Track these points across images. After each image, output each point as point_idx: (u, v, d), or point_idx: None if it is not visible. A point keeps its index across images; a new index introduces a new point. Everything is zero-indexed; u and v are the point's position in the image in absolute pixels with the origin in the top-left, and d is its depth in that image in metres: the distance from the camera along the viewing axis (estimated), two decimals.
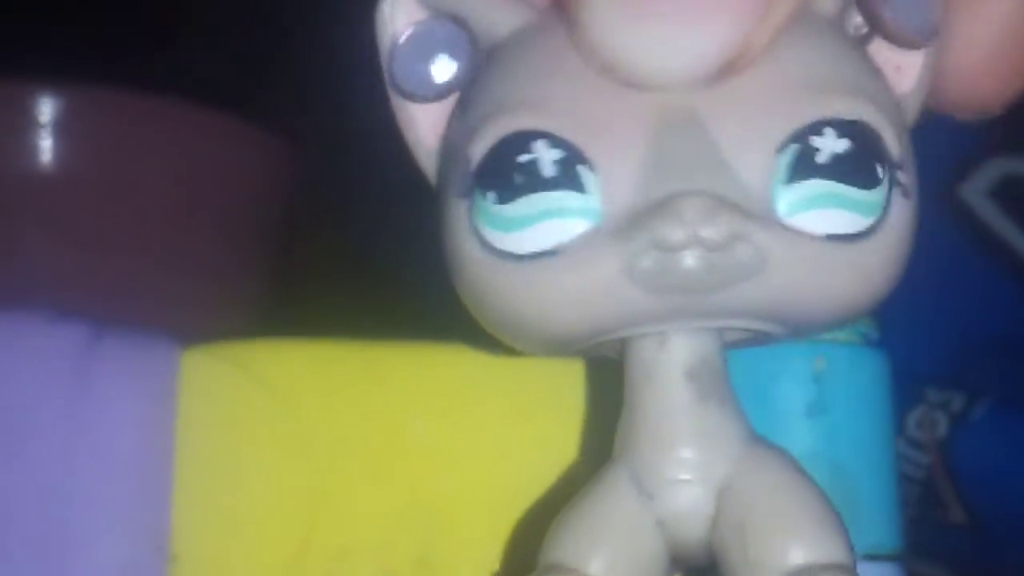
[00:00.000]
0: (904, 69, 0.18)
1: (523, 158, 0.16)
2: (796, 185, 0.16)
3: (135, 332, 0.21)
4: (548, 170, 0.16)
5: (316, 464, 0.21)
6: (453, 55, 0.18)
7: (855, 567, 0.17)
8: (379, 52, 0.18)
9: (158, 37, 0.45)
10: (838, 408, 0.21)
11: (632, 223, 0.16)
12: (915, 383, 0.39)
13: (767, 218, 0.16)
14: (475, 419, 0.21)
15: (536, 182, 0.16)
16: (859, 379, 0.21)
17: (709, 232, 0.16)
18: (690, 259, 0.16)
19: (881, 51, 0.18)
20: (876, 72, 0.18)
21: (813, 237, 0.16)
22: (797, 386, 0.21)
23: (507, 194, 0.16)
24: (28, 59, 0.35)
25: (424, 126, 0.18)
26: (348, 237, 0.40)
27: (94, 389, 0.20)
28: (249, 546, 0.21)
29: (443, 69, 0.18)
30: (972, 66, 0.19)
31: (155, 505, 0.20)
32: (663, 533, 0.17)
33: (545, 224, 0.16)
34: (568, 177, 0.16)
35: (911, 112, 0.18)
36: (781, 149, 0.16)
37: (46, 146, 0.36)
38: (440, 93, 0.18)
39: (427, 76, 0.18)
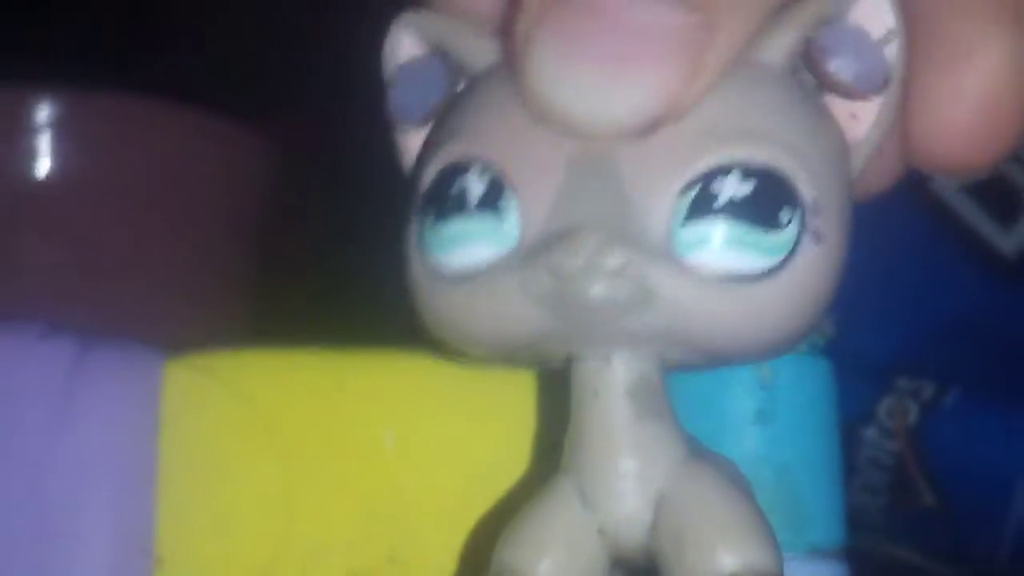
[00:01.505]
0: (859, 116, 0.18)
1: (456, 184, 0.18)
2: (693, 225, 0.17)
3: (121, 344, 0.22)
4: (474, 197, 0.18)
5: (291, 468, 0.22)
6: (431, 88, 0.19)
7: (782, 573, 0.17)
8: (384, 83, 0.20)
9: (146, 41, 0.46)
10: (785, 415, 0.22)
11: (535, 250, 0.17)
12: (886, 372, 0.40)
13: (663, 255, 0.17)
14: (438, 425, 0.22)
15: (463, 206, 0.18)
16: (805, 387, 0.22)
17: (599, 262, 0.17)
18: (582, 287, 0.17)
19: (837, 101, 0.18)
20: (813, 121, 0.18)
21: (707, 275, 0.17)
22: (745, 394, 0.22)
23: (441, 216, 0.18)
24: (22, 65, 0.35)
25: (412, 151, 0.20)
26: (324, 241, 0.41)
27: (81, 400, 0.21)
28: (230, 547, 0.21)
29: (421, 101, 0.19)
30: (954, 128, 0.19)
31: (140, 509, 0.21)
32: (605, 540, 0.18)
33: (467, 246, 0.18)
34: (491, 204, 0.17)
35: (863, 156, 0.19)
36: (683, 191, 0.17)
37: (41, 151, 0.37)
38: (419, 123, 0.20)
39: (414, 105, 0.19)
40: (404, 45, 0.20)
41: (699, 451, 0.19)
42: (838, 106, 0.19)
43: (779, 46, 0.18)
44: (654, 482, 0.18)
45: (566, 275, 0.17)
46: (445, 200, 0.18)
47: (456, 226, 0.18)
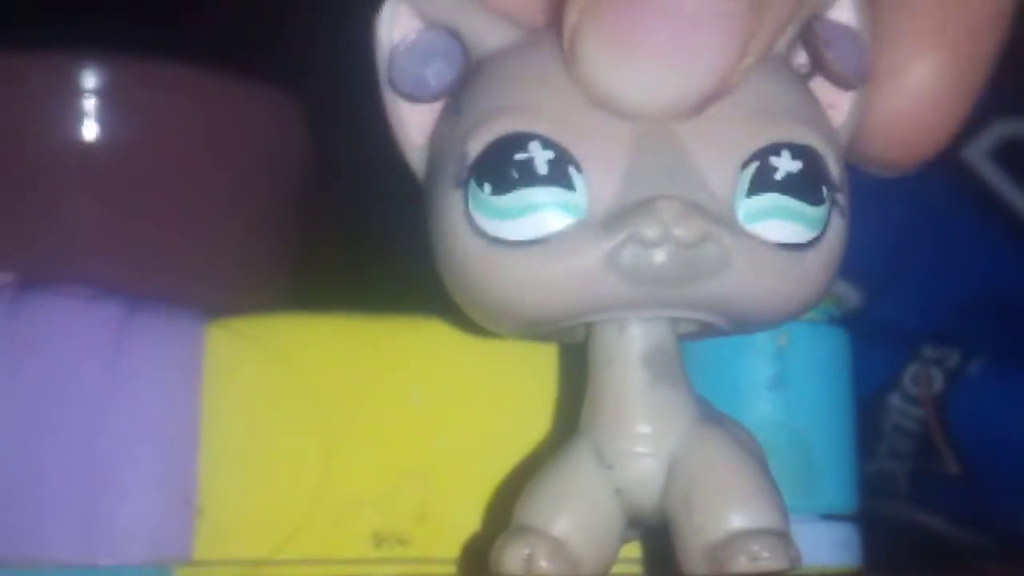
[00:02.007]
0: (836, 107, 0.20)
1: (519, 155, 0.18)
2: (755, 197, 0.18)
3: (165, 307, 0.23)
4: (541, 168, 0.18)
5: (326, 427, 0.23)
6: (448, 63, 0.20)
7: (787, 532, 0.18)
8: (377, 55, 0.20)
9: (192, 10, 0.47)
10: (799, 381, 0.23)
11: (615, 219, 0.18)
12: (911, 340, 0.40)
13: (731, 224, 0.18)
14: (465, 389, 0.23)
15: (530, 177, 0.18)
16: (819, 355, 0.23)
17: (682, 231, 0.18)
18: (663, 255, 0.18)
19: (818, 88, 0.20)
20: (819, 105, 0.20)
21: (767, 244, 0.18)
22: (761, 360, 0.23)
23: (503, 186, 0.18)
24: (72, 31, 0.36)
25: (413, 125, 0.20)
26: (361, 212, 0.41)
27: (127, 359, 0.22)
28: (267, 500, 0.22)
29: (439, 75, 0.20)
30: (883, 135, 0.21)
31: (183, 463, 0.22)
32: (620, 499, 0.19)
33: (535, 215, 0.18)
34: (559, 175, 0.18)
35: (842, 144, 0.20)
36: (744, 165, 0.18)
37: (89, 115, 0.37)
38: (434, 96, 0.20)
39: (424, 80, 0.20)
40: (401, 18, 0.20)
41: (712, 415, 0.20)
42: (821, 94, 0.20)
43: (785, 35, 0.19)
44: (667, 445, 0.19)
45: (649, 242, 0.18)
46: (506, 170, 0.18)
47: (521, 196, 0.18)
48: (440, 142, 0.20)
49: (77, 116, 0.38)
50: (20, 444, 0.22)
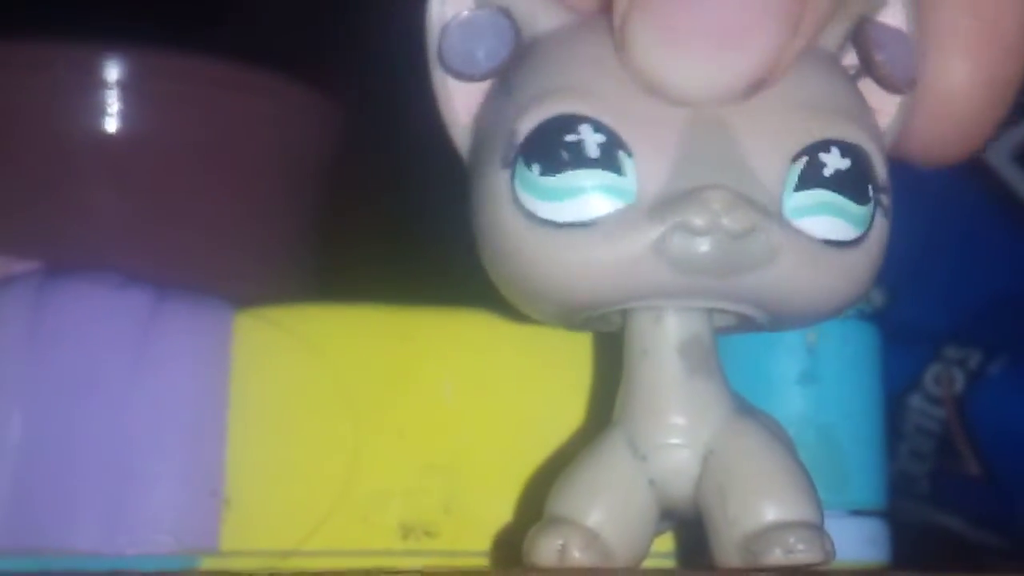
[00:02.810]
0: (881, 111, 0.20)
1: (570, 137, 0.18)
2: (804, 192, 0.18)
3: (194, 295, 0.23)
4: (592, 151, 0.18)
5: (354, 418, 0.23)
6: (500, 41, 0.20)
7: (822, 525, 0.18)
8: (427, 32, 0.20)
9: (212, 4, 0.47)
10: (829, 377, 0.23)
11: (664, 206, 0.18)
12: (933, 340, 0.40)
13: (778, 216, 0.18)
14: (495, 381, 0.23)
15: (580, 160, 0.18)
16: (849, 351, 0.23)
17: (730, 222, 0.18)
18: (711, 244, 0.18)
19: (864, 91, 0.20)
20: (868, 105, 0.20)
21: (812, 239, 0.18)
22: (791, 356, 0.23)
23: (552, 167, 0.18)
24: (94, 24, 0.36)
25: (460, 103, 0.20)
26: (393, 202, 0.41)
27: (155, 348, 0.22)
28: (295, 491, 0.22)
29: (490, 53, 0.20)
30: (922, 135, 0.21)
31: (210, 453, 0.22)
32: (654, 491, 0.19)
33: (585, 198, 0.18)
34: (609, 159, 0.18)
35: (887, 146, 0.20)
36: (794, 159, 0.18)
37: (111, 106, 0.37)
38: (484, 74, 0.20)
39: (475, 58, 0.20)
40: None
41: (745, 408, 0.20)
42: (867, 97, 0.20)
43: (836, 31, 0.19)
44: (702, 437, 0.19)
45: (698, 230, 0.18)
46: (556, 151, 0.18)
47: (571, 177, 0.18)
48: (487, 122, 0.20)
49: (100, 108, 0.38)
50: (47, 433, 0.22)
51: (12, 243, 0.33)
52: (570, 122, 0.18)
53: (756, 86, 0.18)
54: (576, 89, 0.19)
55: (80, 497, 0.22)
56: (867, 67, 0.20)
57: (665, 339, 0.19)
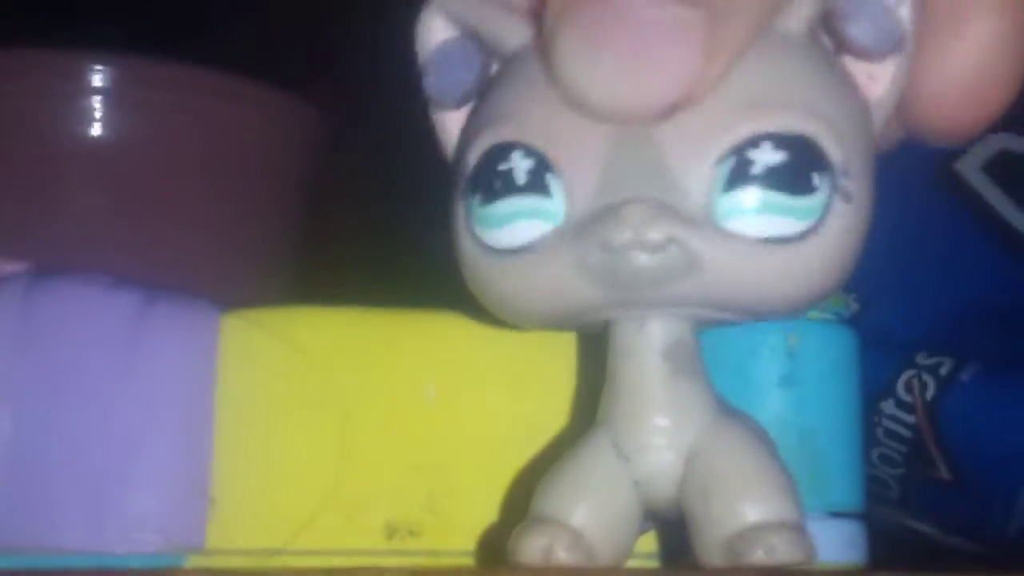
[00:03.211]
0: (876, 77, 0.20)
1: (502, 166, 0.19)
2: (732, 193, 0.18)
3: (181, 297, 0.24)
4: (521, 177, 0.19)
5: (340, 419, 0.23)
6: (468, 69, 0.20)
7: (803, 525, 0.19)
8: (417, 66, 0.21)
9: (197, 12, 0.47)
10: (808, 380, 0.23)
11: (584, 226, 0.18)
12: (906, 347, 0.40)
13: (705, 223, 0.18)
14: (480, 382, 0.23)
15: (511, 187, 0.19)
16: (829, 354, 0.23)
17: (648, 235, 0.18)
18: (631, 258, 0.18)
19: (855, 63, 0.20)
20: (837, 83, 0.19)
21: (748, 239, 0.18)
22: (772, 359, 0.23)
23: (489, 196, 0.19)
24: (80, 32, 0.36)
25: (452, 131, 0.21)
26: (376, 207, 0.42)
27: (143, 349, 0.22)
28: (281, 491, 0.23)
29: (462, 82, 0.20)
30: (942, 100, 0.20)
31: (197, 454, 0.22)
32: (638, 491, 0.19)
33: (517, 224, 0.19)
34: (537, 184, 0.19)
35: (883, 115, 0.20)
36: (720, 161, 0.18)
37: (96, 113, 0.38)
38: (458, 103, 0.20)
39: (451, 87, 0.20)
40: (436, 28, 0.21)
41: (728, 410, 0.20)
42: (856, 68, 0.20)
43: (799, 15, 0.19)
44: (685, 438, 0.19)
45: (616, 248, 0.18)
46: (491, 181, 0.19)
47: (504, 205, 0.19)
48: (458, 147, 0.20)
49: (86, 114, 0.38)
50: (35, 432, 0.22)
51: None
52: (503, 150, 0.19)
53: (672, 107, 0.18)
54: (508, 116, 0.19)
55: (67, 496, 0.22)
56: (838, 41, 0.19)
57: (648, 342, 0.19)
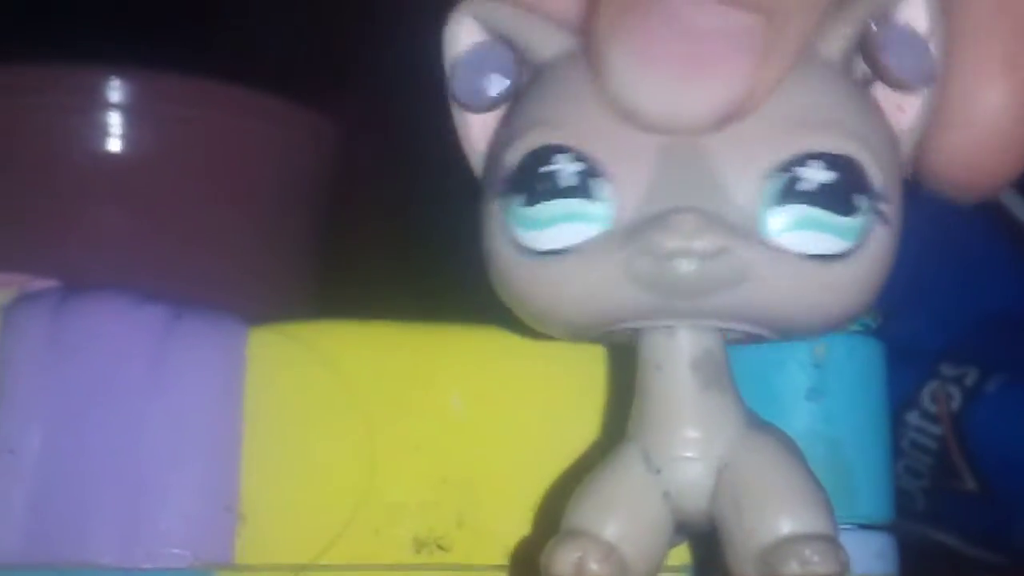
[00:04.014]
0: (904, 108, 0.20)
1: (547, 168, 0.19)
2: (781, 209, 0.18)
3: (209, 312, 0.24)
4: (567, 180, 0.19)
5: (368, 432, 0.23)
6: (504, 73, 0.20)
7: (837, 537, 0.19)
8: (444, 66, 0.21)
9: (213, 27, 0.47)
10: (836, 392, 0.23)
11: (634, 231, 0.18)
12: (931, 359, 0.40)
13: (753, 236, 0.18)
14: (508, 396, 0.23)
15: (556, 189, 0.19)
16: (857, 366, 0.23)
17: (697, 244, 0.18)
18: (680, 266, 0.18)
19: (884, 93, 0.20)
20: (873, 111, 0.19)
21: (793, 255, 0.18)
22: (799, 371, 0.23)
23: (532, 198, 0.19)
24: (98, 47, 0.36)
25: (476, 133, 0.21)
26: (402, 221, 0.42)
27: (171, 364, 0.22)
28: (309, 506, 0.23)
29: (493, 85, 0.20)
30: (955, 161, 0.20)
31: (225, 468, 0.22)
32: (669, 504, 0.19)
33: (562, 226, 0.19)
34: (584, 187, 0.19)
35: (909, 145, 0.20)
36: (769, 176, 0.18)
37: (114, 127, 0.38)
38: (491, 106, 0.20)
39: (480, 91, 0.20)
40: (464, 31, 0.20)
41: (758, 422, 0.20)
42: (886, 97, 0.20)
43: (837, 40, 0.19)
44: (716, 450, 0.19)
45: (665, 255, 0.18)
46: (535, 183, 0.19)
47: (549, 207, 0.19)
48: (491, 152, 0.20)
49: (104, 129, 0.39)
50: (65, 447, 0.22)
51: (19, 260, 0.33)
52: (548, 152, 0.19)
53: (728, 117, 0.18)
54: (555, 120, 0.19)
55: (96, 511, 0.22)
56: (875, 71, 0.20)
57: (678, 354, 0.19)
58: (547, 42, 0.20)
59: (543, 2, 0.20)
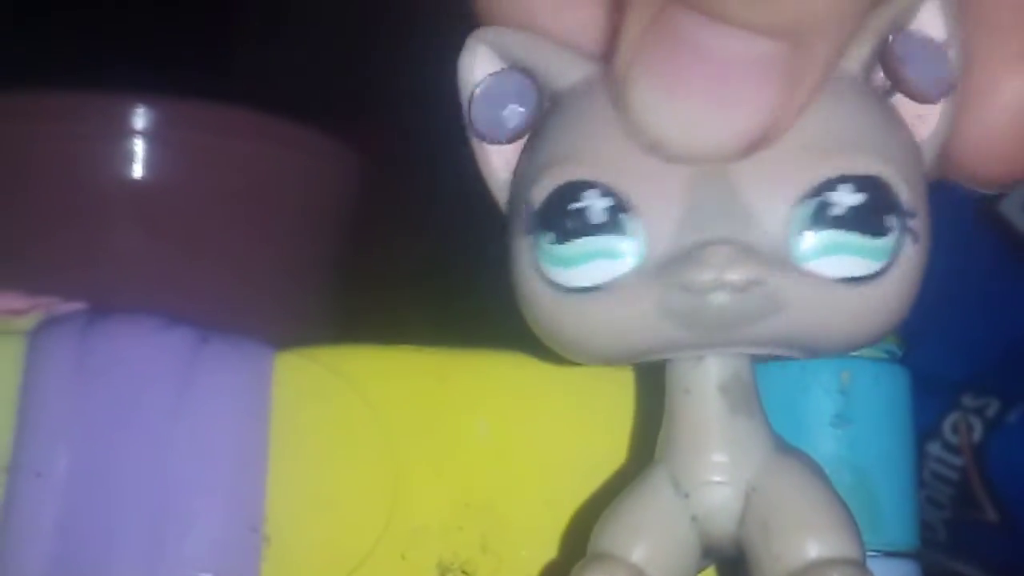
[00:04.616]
0: (925, 118, 0.20)
1: (575, 205, 0.19)
2: (812, 234, 0.18)
3: (236, 337, 0.24)
4: (597, 217, 0.18)
5: (393, 457, 0.23)
6: (522, 104, 0.20)
7: (864, 562, 0.18)
8: (460, 97, 0.20)
9: (236, 55, 0.47)
10: (862, 418, 0.23)
11: (666, 266, 0.18)
12: (952, 389, 0.40)
13: (785, 263, 0.18)
14: (533, 421, 0.23)
15: (587, 227, 0.19)
16: (882, 392, 0.23)
17: (731, 277, 0.18)
18: (714, 300, 0.18)
19: (903, 102, 0.20)
20: (895, 124, 0.19)
21: (826, 280, 0.18)
22: (825, 398, 0.23)
23: (562, 236, 0.19)
24: (123, 74, 0.37)
25: (497, 164, 0.20)
26: (426, 246, 0.42)
27: (197, 388, 0.23)
28: (335, 530, 0.23)
29: (513, 116, 0.20)
30: (982, 150, 0.20)
31: (251, 491, 0.22)
32: (697, 528, 0.19)
33: (593, 263, 0.19)
34: (614, 223, 0.18)
35: (930, 155, 0.20)
36: (799, 203, 0.18)
37: (137, 154, 0.38)
38: (510, 137, 0.20)
39: (499, 122, 0.20)
40: (479, 61, 0.20)
41: (785, 447, 0.20)
42: (905, 108, 0.20)
43: (856, 55, 0.19)
44: (744, 474, 0.19)
45: (698, 289, 0.18)
46: (564, 220, 0.19)
47: (578, 245, 0.19)
48: (515, 185, 0.20)
49: (128, 156, 0.39)
50: (92, 470, 0.22)
51: (45, 285, 0.33)
52: (576, 189, 0.19)
53: (755, 144, 0.18)
54: (580, 155, 0.19)
55: (122, 534, 0.22)
56: (895, 83, 0.19)
57: (706, 378, 0.19)
58: (565, 70, 0.20)
59: (557, 28, 0.20)
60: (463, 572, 0.23)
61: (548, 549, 0.23)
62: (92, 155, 0.38)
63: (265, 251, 0.40)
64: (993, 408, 0.40)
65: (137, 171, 0.38)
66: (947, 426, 0.40)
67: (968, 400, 0.40)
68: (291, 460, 0.23)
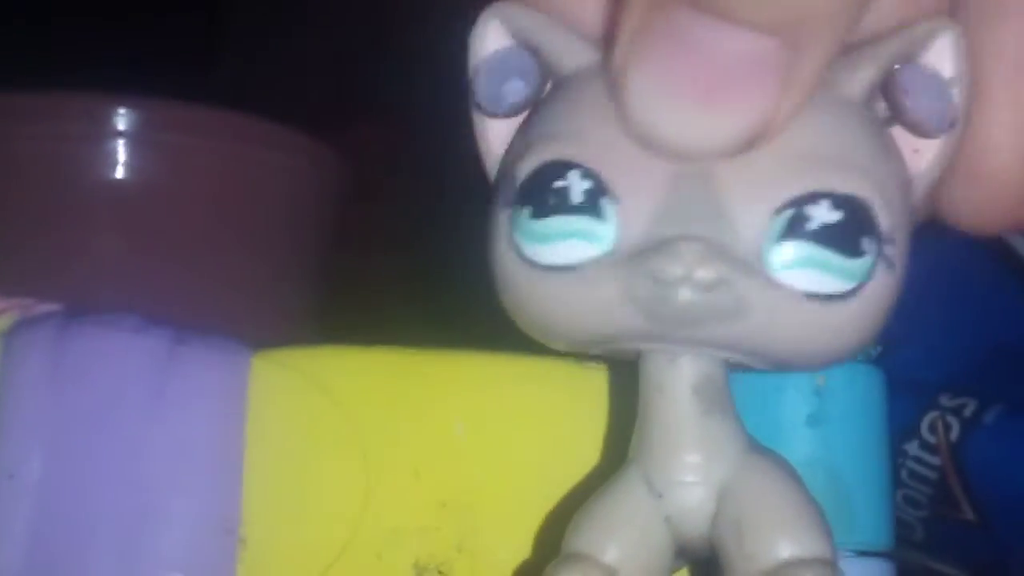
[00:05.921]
0: (921, 152, 0.20)
1: (558, 183, 0.19)
2: (786, 245, 0.18)
3: (211, 338, 0.24)
4: (576, 197, 0.19)
5: (368, 458, 0.23)
6: (525, 81, 0.20)
7: (836, 562, 0.19)
8: (468, 68, 0.20)
9: (220, 56, 0.47)
10: (836, 419, 0.23)
11: (636, 255, 0.18)
12: (930, 389, 0.40)
13: (755, 270, 0.18)
14: (508, 420, 0.23)
15: (565, 206, 0.19)
16: (856, 393, 0.23)
17: (700, 274, 0.18)
18: (680, 294, 0.18)
19: (902, 134, 0.20)
20: (888, 151, 0.19)
21: (794, 292, 0.18)
22: (799, 398, 0.23)
23: (540, 211, 0.19)
24: (105, 75, 0.37)
25: (494, 138, 0.21)
26: (405, 249, 0.42)
27: (173, 389, 0.23)
28: (310, 530, 0.23)
29: (514, 91, 0.20)
30: (970, 203, 0.20)
31: (226, 493, 0.23)
32: (670, 528, 0.19)
33: (567, 243, 0.19)
34: (592, 206, 0.19)
35: (923, 188, 0.20)
36: (777, 212, 0.18)
37: (120, 155, 0.38)
38: (510, 112, 0.20)
39: (500, 96, 0.20)
40: (491, 35, 0.20)
41: (758, 447, 0.20)
42: (903, 139, 0.20)
43: (860, 80, 0.19)
44: (717, 475, 0.19)
45: (666, 281, 0.18)
46: (544, 196, 0.19)
47: (555, 223, 0.19)
48: (504, 160, 0.20)
49: (108, 157, 0.39)
50: (66, 471, 0.22)
51: (23, 287, 0.33)
52: (560, 167, 0.19)
53: (748, 142, 0.18)
54: (570, 136, 0.19)
55: (97, 535, 0.22)
56: (895, 112, 0.19)
57: (680, 378, 0.19)
58: (571, 53, 0.20)
59: (570, 12, 0.20)
60: (439, 572, 0.23)
61: (524, 548, 0.23)
62: (73, 156, 0.38)
63: (247, 252, 0.40)
64: (970, 408, 0.40)
65: (119, 172, 0.38)
66: (925, 425, 0.40)
67: (946, 400, 0.40)
68: (267, 461, 0.23)
